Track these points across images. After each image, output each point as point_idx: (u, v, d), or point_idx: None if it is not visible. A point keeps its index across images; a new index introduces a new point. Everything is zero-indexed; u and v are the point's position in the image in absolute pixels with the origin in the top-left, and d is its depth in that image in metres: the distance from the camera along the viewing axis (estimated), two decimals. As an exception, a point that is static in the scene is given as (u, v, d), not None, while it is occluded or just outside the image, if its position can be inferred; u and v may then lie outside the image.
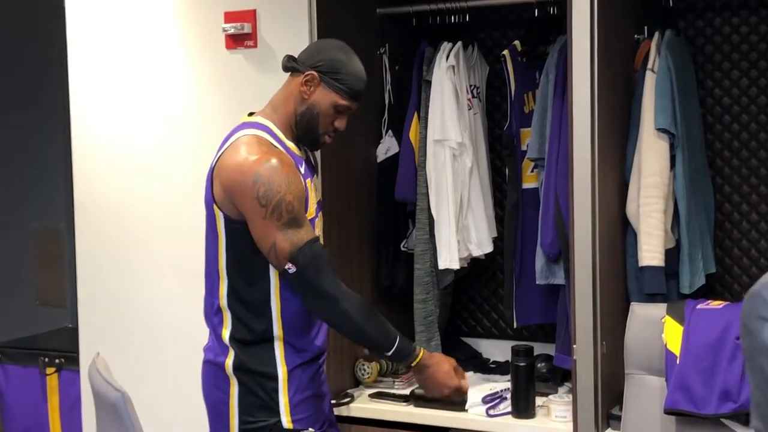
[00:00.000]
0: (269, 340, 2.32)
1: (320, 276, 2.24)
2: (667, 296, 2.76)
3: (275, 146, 2.31)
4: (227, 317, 2.33)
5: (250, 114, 2.43)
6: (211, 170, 2.32)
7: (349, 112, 2.41)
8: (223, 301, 2.33)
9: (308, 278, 2.23)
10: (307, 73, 2.35)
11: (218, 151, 2.33)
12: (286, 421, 2.31)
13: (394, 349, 2.32)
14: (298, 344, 2.34)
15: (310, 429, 2.33)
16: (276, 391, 2.31)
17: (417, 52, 3.18)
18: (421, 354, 2.37)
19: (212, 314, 2.37)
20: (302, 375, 2.34)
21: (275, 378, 2.31)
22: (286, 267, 2.23)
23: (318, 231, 2.39)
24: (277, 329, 2.31)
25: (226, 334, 2.33)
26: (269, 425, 2.30)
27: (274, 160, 2.23)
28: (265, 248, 2.24)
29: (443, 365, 2.41)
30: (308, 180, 2.37)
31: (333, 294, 2.25)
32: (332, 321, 2.32)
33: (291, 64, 2.39)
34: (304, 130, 2.37)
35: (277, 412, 2.31)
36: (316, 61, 2.37)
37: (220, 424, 2.35)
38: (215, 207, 2.29)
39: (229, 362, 2.32)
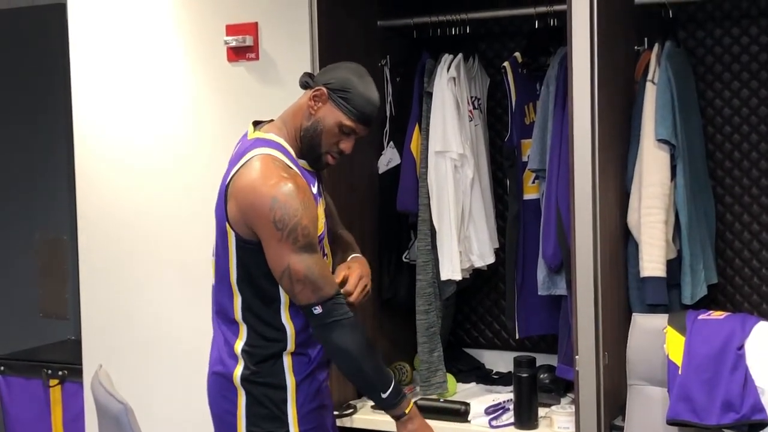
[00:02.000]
0: (280, 352, 2.33)
1: (342, 336, 2.29)
2: (669, 307, 2.77)
3: (290, 167, 2.32)
4: (243, 329, 2.34)
5: (256, 123, 2.43)
6: (225, 187, 2.31)
7: (356, 135, 2.39)
8: (239, 315, 2.34)
9: (330, 333, 2.29)
10: (317, 88, 2.36)
11: (232, 166, 2.33)
12: (294, 431, 2.31)
13: (388, 393, 2.35)
14: (307, 357, 2.35)
15: None
16: (285, 402, 2.31)
17: (418, 64, 3.19)
18: (410, 406, 2.40)
19: (225, 324, 2.37)
20: (309, 386, 2.35)
21: (284, 389, 2.32)
22: (313, 309, 2.27)
23: (327, 249, 2.42)
24: (291, 344, 2.33)
25: (239, 345, 2.33)
26: None
27: (290, 185, 2.24)
28: (278, 271, 2.25)
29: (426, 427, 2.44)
30: (320, 200, 2.39)
31: (351, 353, 2.31)
32: (341, 368, 2.39)
33: (305, 80, 2.41)
34: (308, 146, 2.37)
35: (285, 423, 2.31)
36: (329, 79, 2.38)
37: None
38: (228, 225, 2.30)
39: (238, 373, 2.33)
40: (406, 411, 2.37)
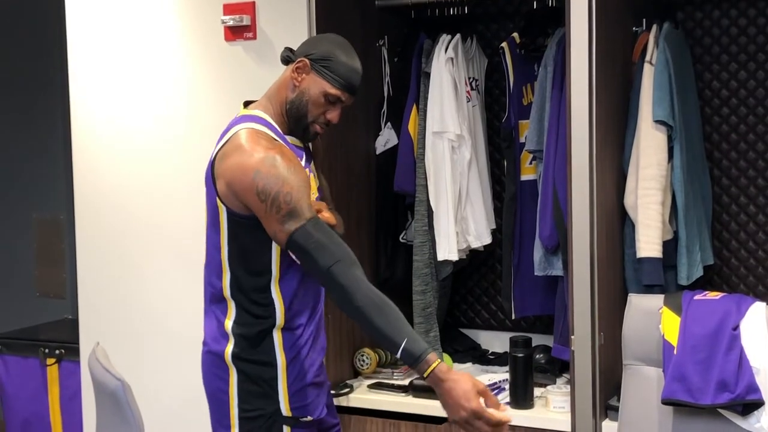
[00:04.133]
0: (270, 329, 2.33)
1: (319, 257, 2.17)
2: (665, 288, 2.78)
3: (275, 139, 2.32)
4: (231, 306, 2.34)
5: (247, 102, 2.43)
6: (211, 164, 2.32)
7: (342, 104, 2.38)
8: (227, 291, 2.33)
9: (308, 264, 2.21)
10: (299, 59, 2.36)
11: (217, 143, 2.34)
12: (285, 408, 2.32)
13: (401, 349, 2.12)
14: (297, 332, 2.35)
15: (308, 417, 2.35)
16: (275, 379, 2.32)
17: (416, 45, 3.19)
18: (434, 365, 2.11)
19: (215, 303, 2.37)
20: (301, 363, 2.35)
21: (274, 366, 2.32)
22: (294, 257, 2.23)
23: None
24: (280, 318, 2.32)
25: (228, 323, 2.34)
26: (268, 413, 2.31)
27: (272, 154, 2.23)
28: (281, 244, 2.24)
29: (463, 383, 2.10)
30: (310, 175, 2.38)
31: (337, 280, 2.17)
32: (343, 308, 2.23)
33: (287, 54, 2.41)
34: (294, 118, 2.37)
35: (276, 401, 2.32)
36: (310, 50, 2.38)
37: (220, 413, 2.36)
38: (218, 201, 2.30)
39: (229, 350, 2.33)
40: (425, 375, 2.12)
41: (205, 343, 2.41)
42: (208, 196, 2.34)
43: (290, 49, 2.42)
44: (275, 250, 2.30)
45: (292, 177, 2.22)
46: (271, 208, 2.19)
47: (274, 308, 2.32)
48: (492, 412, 2.08)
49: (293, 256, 2.26)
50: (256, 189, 2.19)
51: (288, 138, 2.37)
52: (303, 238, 2.18)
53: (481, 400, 2.10)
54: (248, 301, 2.32)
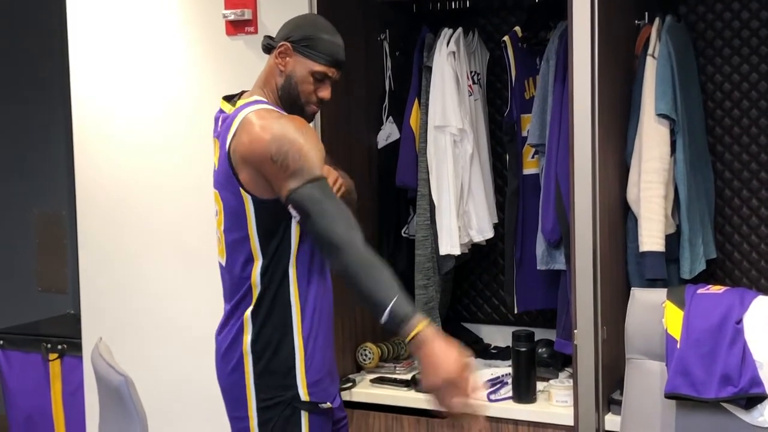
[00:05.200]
0: (287, 313, 2.32)
1: (317, 215, 2.17)
2: (668, 281, 2.77)
3: (282, 113, 2.34)
4: (255, 293, 2.33)
5: (227, 97, 2.43)
6: (227, 154, 2.31)
7: (331, 79, 2.40)
8: (256, 278, 2.32)
9: (307, 222, 2.20)
10: (280, 44, 2.37)
11: (225, 135, 2.33)
12: (303, 393, 2.31)
13: (387, 310, 2.04)
14: (314, 318, 2.35)
15: (327, 403, 2.34)
16: (293, 367, 2.32)
17: (417, 38, 3.18)
18: (419, 327, 2.02)
19: (236, 296, 2.36)
20: (318, 349, 2.35)
21: (292, 353, 2.32)
22: (294, 215, 2.22)
23: None
24: (295, 303, 2.32)
25: (248, 312, 2.33)
26: (287, 399, 2.31)
27: (284, 121, 2.27)
28: (282, 200, 2.24)
29: (445, 346, 2.01)
30: None
31: (331, 237, 2.15)
32: (332, 265, 2.23)
33: (267, 42, 2.42)
34: (288, 102, 2.39)
35: (294, 386, 2.31)
36: (288, 33, 2.39)
37: (237, 405, 2.35)
38: (242, 192, 2.30)
39: (247, 339, 2.33)
40: (407, 339, 2.03)
41: (219, 338, 2.40)
42: (227, 193, 2.33)
43: (270, 37, 2.44)
44: (294, 226, 2.30)
45: (303, 139, 2.25)
46: (281, 168, 2.21)
47: (290, 292, 2.32)
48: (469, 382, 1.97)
49: (294, 214, 2.25)
50: (270, 154, 2.21)
51: None
52: (307, 196, 2.19)
53: None
54: (275, 285, 2.32)
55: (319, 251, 2.30)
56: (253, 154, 2.25)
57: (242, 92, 2.44)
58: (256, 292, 2.34)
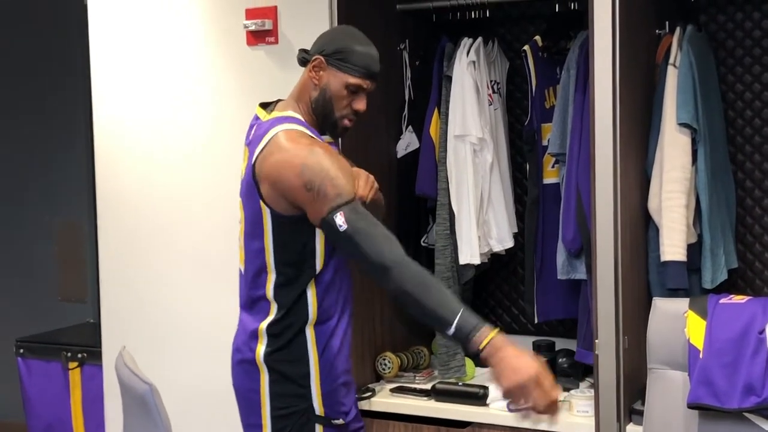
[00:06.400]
0: (303, 325, 2.33)
1: (362, 242, 2.18)
2: (689, 291, 2.76)
3: (313, 137, 2.34)
4: (273, 308, 2.34)
5: (263, 105, 2.44)
6: (252, 168, 2.32)
7: (365, 91, 2.40)
8: (270, 293, 2.34)
9: (351, 249, 2.20)
10: (314, 58, 2.37)
11: (254, 147, 2.33)
12: (318, 406, 2.32)
13: (454, 324, 2.08)
14: (328, 326, 2.35)
15: (340, 420, 2.35)
16: (307, 376, 2.32)
17: (437, 48, 3.19)
18: (490, 336, 2.08)
19: (253, 308, 2.37)
20: (333, 360, 2.35)
21: (307, 363, 2.32)
22: (339, 224, 2.19)
23: None
24: (312, 314, 2.33)
25: (264, 324, 2.34)
26: (301, 409, 2.32)
27: (315, 148, 2.26)
28: (322, 229, 2.24)
29: (518, 351, 2.07)
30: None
31: (381, 262, 2.17)
32: (389, 289, 2.21)
33: (302, 56, 2.43)
34: (322, 116, 2.39)
35: (308, 398, 2.32)
36: (322, 46, 2.40)
37: (251, 413, 2.36)
38: (262, 204, 2.30)
39: (261, 351, 2.33)
40: (480, 347, 2.08)
41: (235, 351, 2.41)
42: (249, 202, 2.34)
43: (305, 50, 2.44)
44: (319, 245, 2.31)
45: (335, 166, 2.25)
46: (318, 196, 2.21)
47: (307, 303, 2.33)
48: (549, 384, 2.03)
49: (332, 240, 2.26)
50: (303, 182, 2.21)
51: (324, 138, 2.39)
52: (348, 222, 2.18)
53: None
54: (291, 300, 2.33)
55: (364, 272, 2.28)
56: (282, 178, 2.25)
57: (278, 101, 2.45)
58: (273, 307, 2.34)
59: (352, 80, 2.36)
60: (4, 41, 4.60)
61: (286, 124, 2.33)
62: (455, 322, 2.09)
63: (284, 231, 2.31)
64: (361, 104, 2.39)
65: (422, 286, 2.15)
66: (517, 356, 2.06)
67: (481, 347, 2.08)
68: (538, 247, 3.11)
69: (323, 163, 2.23)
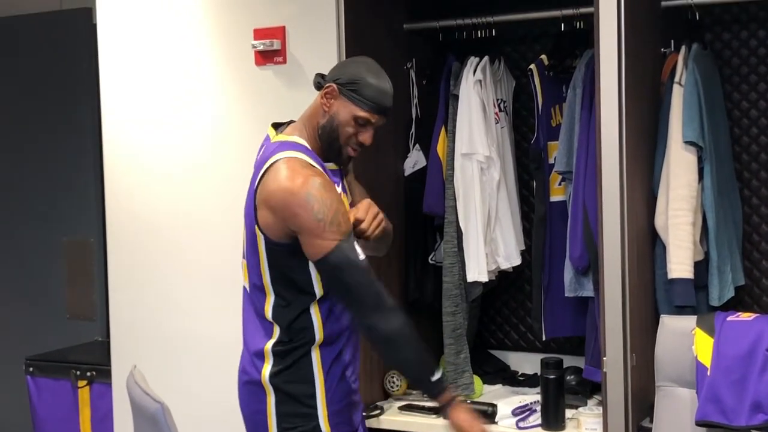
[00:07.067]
0: (308, 346, 2.34)
1: (369, 273, 2.30)
2: (696, 309, 2.77)
3: (314, 166, 2.35)
4: (275, 329, 2.36)
5: (276, 125, 2.46)
6: (253, 192, 2.34)
7: (373, 126, 2.41)
8: (269, 314, 2.36)
9: (339, 279, 2.29)
10: (327, 85, 2.39)
11: (257, 171, 2.35)
12: (324, 426, 2.33)
13: (431, 382, 2.35)
14: (334, 347, 2.36)
15: None
16: (314, 396, 2.33)
17: (444, 67, 3.21)
18: (454, 397, 2.40)
19: (257, 327, 2.39)
20: (339, 380, 2.37)
21: (312, 383, 2.34)
22: (357, 253, 2.29)
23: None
24: (318, 335, 2.34)
25: (269, 345, 2.36)
26: (308, 430, 2.33)
27: (319, 179, 2.29)
28: (316, 259, 2.29)
29: (472, 414, 2.41)
30: (343, 195, 2.41)
31: (380, 332, 2.30)
32: (377, 327, 2.32)
33: (318, 80, 2.44)
34: (327, 143, 2.40)
35: (315, 417, 2.33)
36: (337, 75, 2.41)
37: (258, 431, 2.37)
38: (257, 229, 2.32)
39: (266, 372, 2.34)
40: (444, 401, 2.40)
41: (241, 374, 2.42)
42: (248, 224, 2.36)
43: (321, 75, 2.45)
44: (314, 273, 2.32)
45: (337, 200, 2.29)
46: (330, 226, 2.24)
47: (312, 325, 2.34)
48: None
49: (326, 274, 2.31)
50: (313, 212, 2.24)
51: (327, 165, 2.40)
52: (342, 255, 2.27)
53: None
54: (291, 321, 2.34)
55: (352, 313, 2.37)
56: (283, 205, 2.28)
57: (291, 122, 2.47)
58: (276, 328, 2.36)
59: (361, 113, 2.37)
60: (16, 62, 4.62)
61: (290, 151, 2.34)
62: (431, 381, 2.36)
63: (278, 257, 2.33)
64: (366, 137, 2.40)
65: (414, 338, 2.34)
66: (470, 418, 2.39)
67: (442, 402, 2.37)
68: (545, 264, 3.12)
69: (326, 195, 2.27)
